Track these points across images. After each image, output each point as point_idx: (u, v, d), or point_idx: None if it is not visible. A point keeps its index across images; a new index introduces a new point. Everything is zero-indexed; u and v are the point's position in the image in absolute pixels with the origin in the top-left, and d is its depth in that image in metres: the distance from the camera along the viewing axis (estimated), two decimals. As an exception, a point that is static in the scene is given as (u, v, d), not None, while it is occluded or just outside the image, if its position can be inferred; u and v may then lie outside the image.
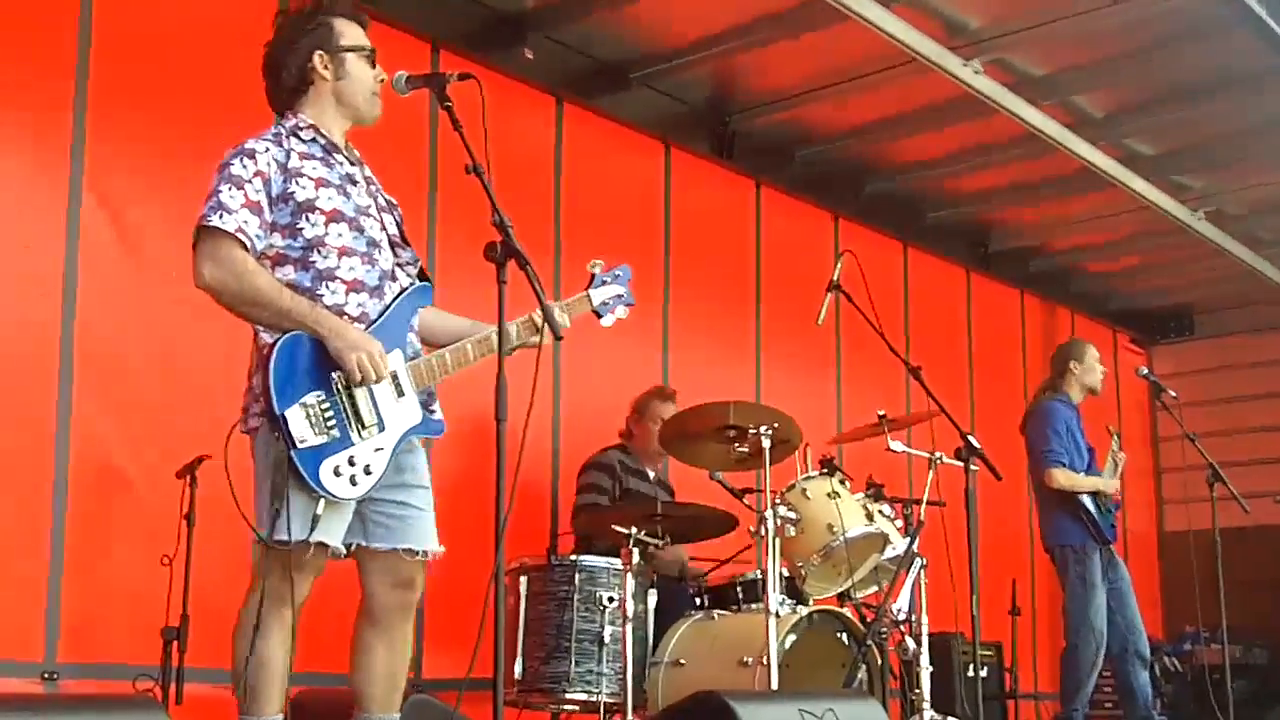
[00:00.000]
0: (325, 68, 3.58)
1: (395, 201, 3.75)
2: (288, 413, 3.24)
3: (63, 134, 4.94)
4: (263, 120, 3.62)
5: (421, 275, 3.70)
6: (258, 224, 3.37)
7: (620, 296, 3.95)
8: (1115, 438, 7.14)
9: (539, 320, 3.54)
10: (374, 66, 3.63)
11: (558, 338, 3.33)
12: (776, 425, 5.20)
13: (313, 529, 3.25)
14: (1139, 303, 11.38)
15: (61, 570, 4.71)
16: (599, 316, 3.92)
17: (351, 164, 3.59)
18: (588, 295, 3.90)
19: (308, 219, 3.42)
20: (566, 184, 6.86)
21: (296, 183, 3.42)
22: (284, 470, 3.23)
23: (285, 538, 3.23)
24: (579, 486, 6.12)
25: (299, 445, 3.23)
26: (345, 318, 3.40)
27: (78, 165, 4.96)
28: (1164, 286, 11.01)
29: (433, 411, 3.57)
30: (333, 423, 3.30)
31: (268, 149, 3.44)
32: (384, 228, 3.58)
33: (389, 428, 3.41)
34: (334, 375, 3.34)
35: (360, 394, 3.36)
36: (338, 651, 3.63)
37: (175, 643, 4.37)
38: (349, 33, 3.61)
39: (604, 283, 3.92)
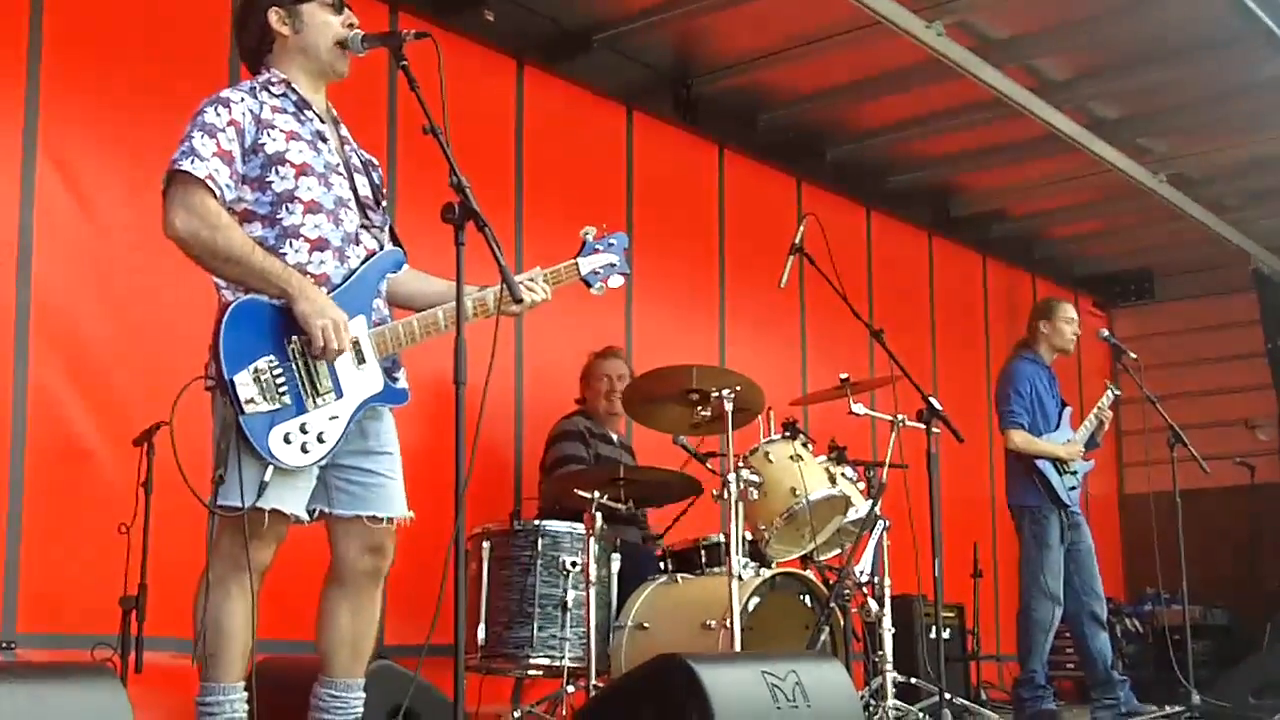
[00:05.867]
0: (283, 23, 3.54)
1: (374, 161, 3.70)
2: (237, 377, 3.20)
3: (16, 96, 4.85)
4: (218, 81, 3.58)
5: (394, 239, 3.66)
6: (228, 174, 3.33)
7: (613, 265, 3.85)
8: (1108, 394, 7.12)
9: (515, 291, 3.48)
10: (341, 11, 3.56)
11: (516, 300, 3.28)
12: (739, 389, 5.19)
13: (259, 495, 3.22)
14: (1100, 266, 11.40)
15: (19, 540, 4.65)
16: (588, 285, 3.81)
17: (324, 121, 3.55)
18: (576, 263, 3.79)
19: (277, 171, 3.39)
20: (528, 147, 6.80)
21: (268, 134, 3.40)
22: (230, 436, 3.20)
23: (233, 504, 3.20)
24: (554, 458, 6.02)
25: (247, 410, 3.19)
26: (307, 276, 3.36)
27: (31, 128, 4.86)
28: (1125, 250, 11.05)
29: (396, 379, 3.53)
30: (285, 389, 3.26)
31: (243, 99, 3.42)
32: (354, 188, 3.54)
33: (346, 395, 3.37)
34: (291, 341, 3.30)
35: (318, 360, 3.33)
36: (304, 618, 3.61)
37: (134, 611, 4.33)
38: None
39: (595, 250, 3.82)
